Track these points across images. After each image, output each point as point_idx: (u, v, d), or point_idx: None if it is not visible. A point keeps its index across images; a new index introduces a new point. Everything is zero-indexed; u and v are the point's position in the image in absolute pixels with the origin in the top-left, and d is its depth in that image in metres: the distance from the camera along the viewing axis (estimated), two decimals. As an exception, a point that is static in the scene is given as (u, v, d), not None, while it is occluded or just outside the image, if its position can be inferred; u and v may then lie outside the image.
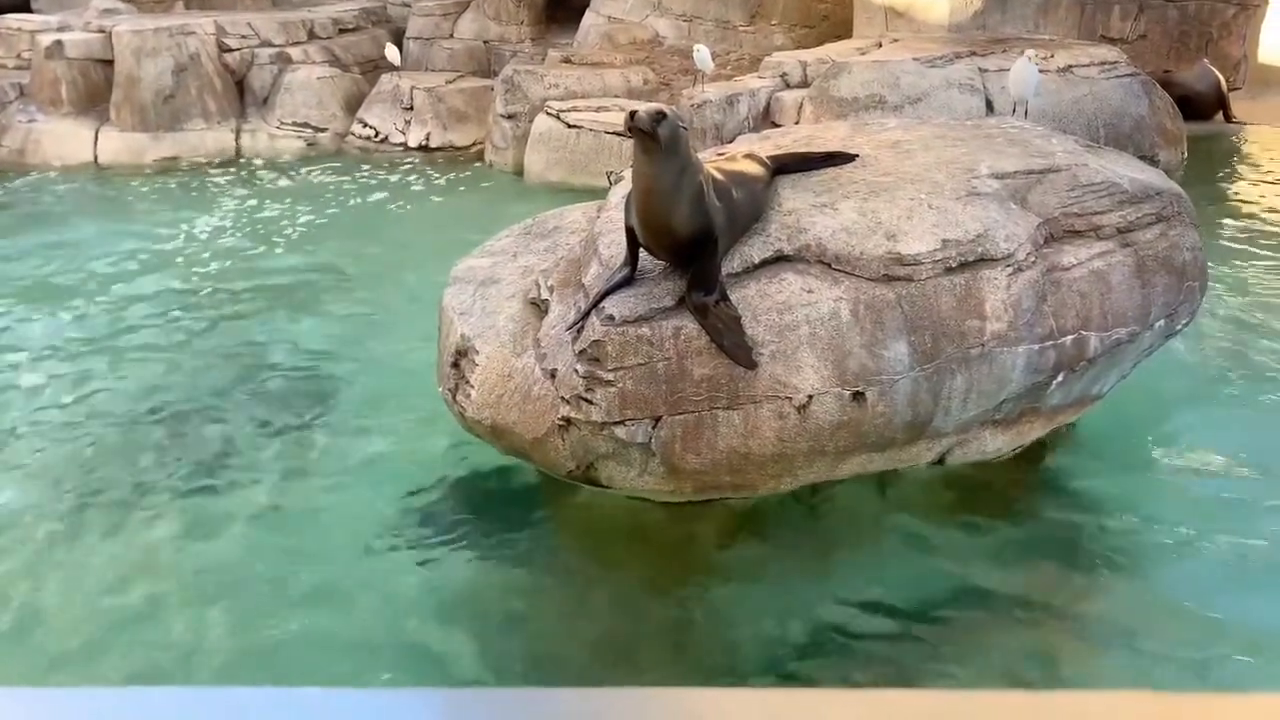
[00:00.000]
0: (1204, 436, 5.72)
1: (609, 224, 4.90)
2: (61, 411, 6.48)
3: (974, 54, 10.79)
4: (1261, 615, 4.37)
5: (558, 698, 0.87)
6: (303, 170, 12.79)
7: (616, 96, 12.55)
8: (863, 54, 11.32)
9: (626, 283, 4.47)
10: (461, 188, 12.01)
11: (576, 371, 4.36)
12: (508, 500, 5.28)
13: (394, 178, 12.41)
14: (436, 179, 12.33)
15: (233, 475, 5.64)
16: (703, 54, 11.38)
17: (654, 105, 4.29)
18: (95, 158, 13.35)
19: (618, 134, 11.22)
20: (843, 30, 13.69)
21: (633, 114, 4.09)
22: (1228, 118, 12.59)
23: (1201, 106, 12.35)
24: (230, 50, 14.11)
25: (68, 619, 4.58)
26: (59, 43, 13.64)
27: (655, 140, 4.08)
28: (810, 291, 4.42)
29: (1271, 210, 9.85)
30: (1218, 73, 12.50)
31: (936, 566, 4.68)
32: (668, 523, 4.90)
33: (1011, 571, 4.66)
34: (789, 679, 4.12)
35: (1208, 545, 4.85)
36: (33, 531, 5.20)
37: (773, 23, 14.33)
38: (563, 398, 4.42)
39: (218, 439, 6.04)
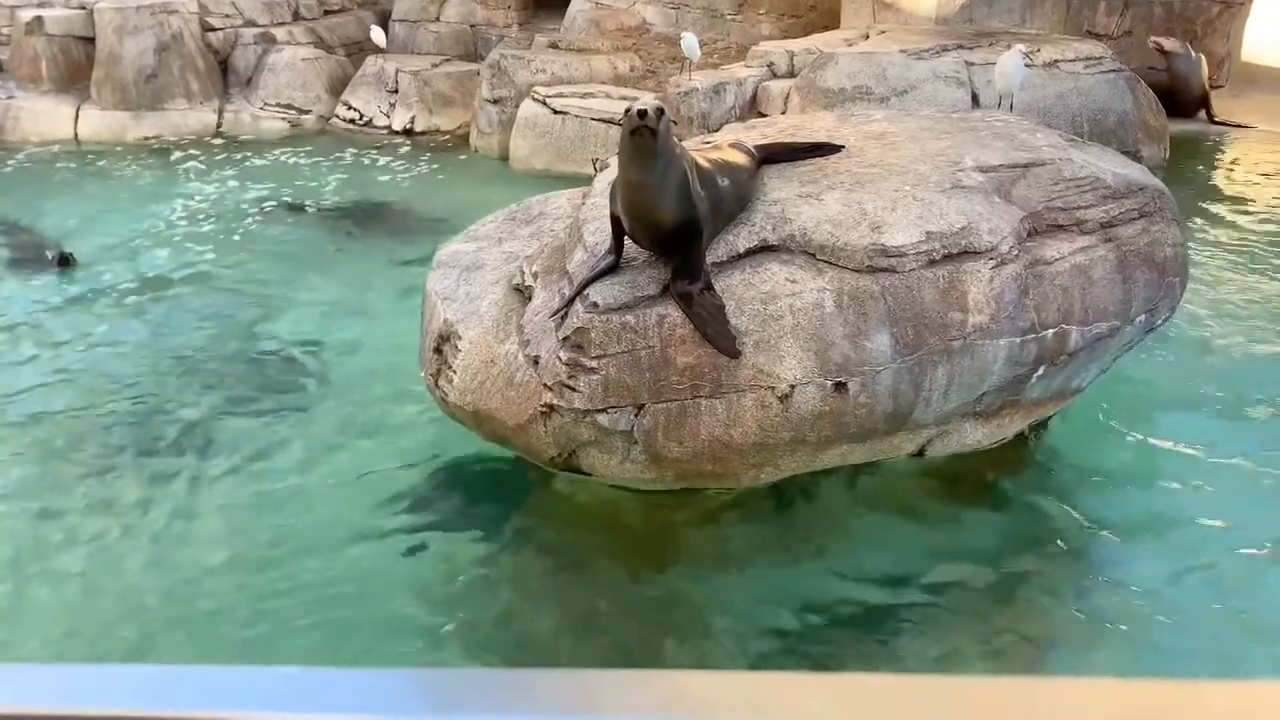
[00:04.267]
0: (1180, 430, 5.77)
1: (594, 211, 4.89)
2: (33, 394, 6.41)
3: (960, 47, 10.80)
4: (1235, 604, 4.43)
5: (539, 679, 0.88)
6: (285, 152, 12.69)
7: (603, 83, 12.51)
8: (850, 45, 11.32)
9: (611, 270, 4.46)
10: (446, 172, 11.95)
11: (560, 358, 4.36)
12: (489, 486, 5.27)
13: (378, 161, 12.33)
14: (421, 163, 12.27)
15: (210, 459, 5.61)
16: (690, 42, 11.35)
17: (652, 100, 4.25)
18: (75, 136, 13.21)
19: (604, 120, 11.18)
20: (830, 21, 13.68)
21: (641, 113, 4.04)
22: (1210, 117, 12.65)
23: (1184, 103, 12.39)
24: (213, 30, 13.98)
25: (47, 597, 4.56)
26: (39, 19, 13.48)
27: (656, 137, 4.08)
28: (794, 281, 4.43)
29: (1252, 208, 9.92)
30: (1204, 63, 12.52)
31: (915, 557, 4.71)
32: (649, 511, 4.91)
33: (990, 562, 4.70)
34: (766, 665, 4.14)
35: (1185, 536, 4.90)
36: (9, 511, 5.17)
37: (760, 12, 14.31)
38: (545, 384, 4.41)
39: (195, 423, 6.00)
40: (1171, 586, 4.60)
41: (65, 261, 8.60)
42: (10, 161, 12.30)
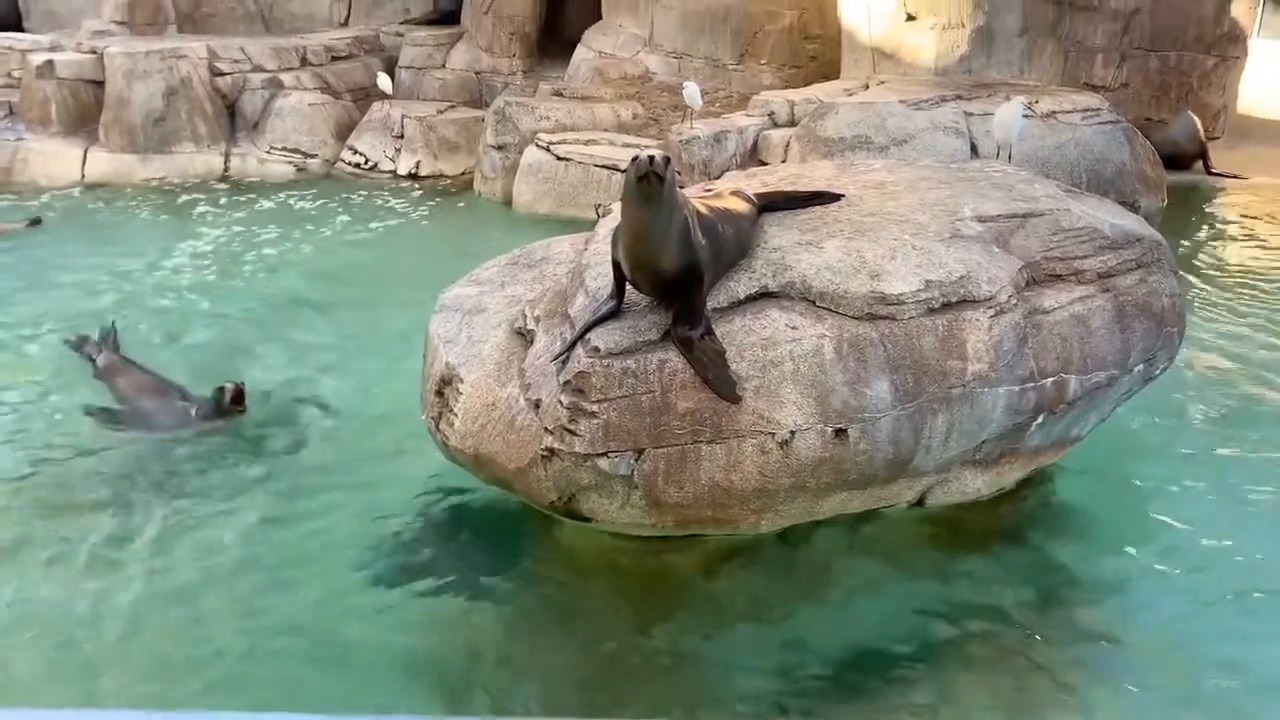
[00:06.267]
0: (1180, 480, 5.77)
1: (596, 256, 4.93)
2: (29, 435, 6.39)
3: (959, 97, 10.93)
4: (1240, 655, 4.41)
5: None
6: (291, 195, 12.79)
7: (606, 130, 12.65)
8: (850, 95, 11.45)
9: (613, 315, 4.49)
10: (450, 216, 12.04)
11: (561, 402, 4.37)
12: (488, 531, 5.26)
13: (383, 205, 12.43)
14: (425, 207, 12.37)
15: (208, 505, 5.58)
16: (692, 91, 11.50)
17: (656, 150, 4.34)
18: (83, 178, 13.32)
19: (606, 167, 11.30)
20: (830, 71, 13.86)
21: (651, 158, 4.13)
22: (1207, 168, 12.80)
23: (1181, 158, 12.57)
24: (222, 74, 14.15)
25: (32, 643, 4.54)
26: (50, 63, 13.65)
27: (663, 184, 4.14)
28: (794, 328, 4.46)
29: (1248, 258, 9.99)
30: (1199, 124, 12.71)
31: (916, 606, 4.69)
32: (648, 557, 4.90)
33: (991, 612, 4.67)
34: (764, 714, 4.11)
35: (1187, 586, 4.89)
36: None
37: (761, 62, 14.50)
38: (546, 428, 4.42)
39: (191, 466, 5.98)
40: (1176, 635, 4.58)
41: (238, 400, 6.44)
42: (33, 204, 12.38)
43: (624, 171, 4.36)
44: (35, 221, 11.16)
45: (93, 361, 7.25)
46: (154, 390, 6.77)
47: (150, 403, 6.62)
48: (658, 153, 4.23)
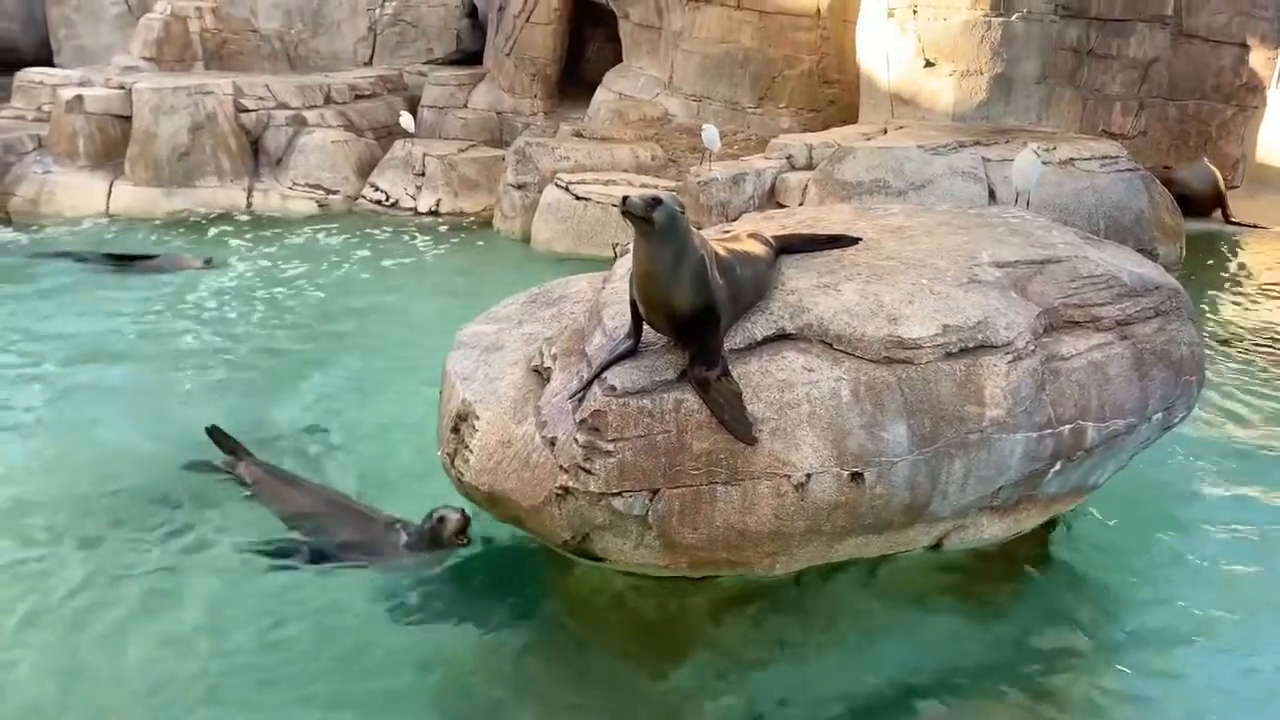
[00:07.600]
0: (1196, 531, 5.71)
1: (614, 295, 4.95)
2: (35, 476, 6.37)
3: (978, 143, 10.96)
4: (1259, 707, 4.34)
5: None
6: (312, 231, 12.93)
7: (625, 171, 12.76)
8: (868, 139, 11.51)
9: (630, 354, 4.50)
10: (469, 254, 12.14)
11: (576, 441, 4.37)
12: (501, 569, 5.24)
13: (403, 242, 12.54)
14: (445, 244, 12.48)
15: (222, 538, 5.58)
16: (711, 133, 11.58)
17: (649, 191, 4.37)
18: (108, 210, 13.50)
19: (624, 208, 11.35)
20: (849, 115, 13.94)
21: (625, 199, 4.17)
22: (1226, 217, 12.79)
23: (1199, 205, 12.56)
24: (247, 111, 14.36)
25: (50, 680, 4.53)
26: (79, 97, 13.88)
27: (650, 225, 4.16)
28: (811, 370, 4.46)
29: (1268, 307, 9.95)
30: (1217, 171, 12.73)
31: (930, 654, 4.65)
32: (662, 598, 4.87)
33: (1006, 659, 4.63)
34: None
35: (1202, 642, 4.82)
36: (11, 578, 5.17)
37: (780, 105, 14.60)
38: (561, 466, 4.42)
39: (206, 501, 5.97)
40: (1193, 686, 4.51)
41: (462, 533, 5.21)
42: (38, 234, 12.53)
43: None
44: (209, 261, 11.21)
45: (239, 479, 6.13)
46: (350, 515, 5.60)
47: (354, 531, 5.46)
48: (647, 194, 4.24)
